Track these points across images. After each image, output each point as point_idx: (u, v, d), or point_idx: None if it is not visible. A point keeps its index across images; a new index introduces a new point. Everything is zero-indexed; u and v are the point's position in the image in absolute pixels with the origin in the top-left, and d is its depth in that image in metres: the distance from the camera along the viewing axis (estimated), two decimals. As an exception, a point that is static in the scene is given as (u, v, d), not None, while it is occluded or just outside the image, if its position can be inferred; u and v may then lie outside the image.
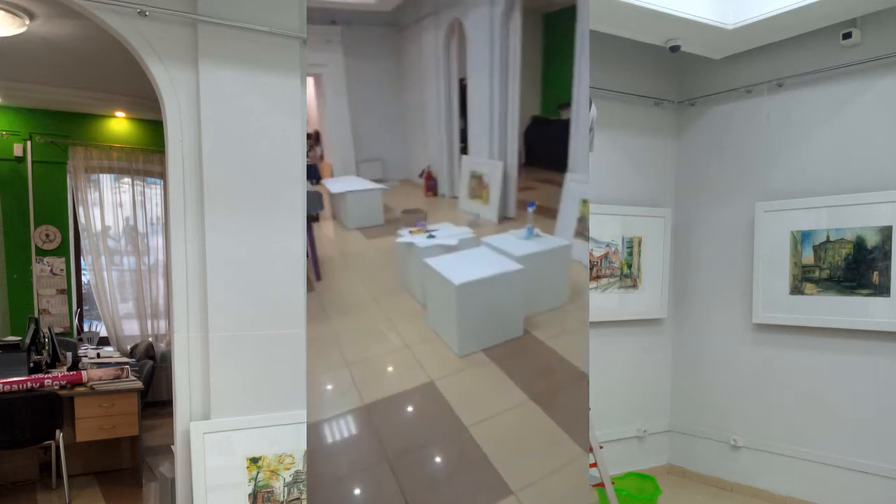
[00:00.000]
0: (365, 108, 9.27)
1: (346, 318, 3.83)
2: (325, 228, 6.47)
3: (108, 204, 6.91)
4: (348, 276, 4.62)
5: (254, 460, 3.21)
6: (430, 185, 8.12)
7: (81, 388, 4.41)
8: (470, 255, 3.59)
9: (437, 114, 7.98)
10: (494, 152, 6.30)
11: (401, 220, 5.71)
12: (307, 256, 4.95)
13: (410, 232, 4.31)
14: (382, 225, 6.41)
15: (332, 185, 6.78)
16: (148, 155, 6.97)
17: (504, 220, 6.10)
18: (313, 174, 7.45)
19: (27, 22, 4.38)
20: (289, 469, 3.28)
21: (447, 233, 4.29)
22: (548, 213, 4.76)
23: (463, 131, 7.51)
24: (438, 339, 3.41)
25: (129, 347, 6.80)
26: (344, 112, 9.11)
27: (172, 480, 3.27)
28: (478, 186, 6.49)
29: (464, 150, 7.46)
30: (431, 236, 4.15)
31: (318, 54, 8.65)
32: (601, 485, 3.60)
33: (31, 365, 4.76)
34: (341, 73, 8.98)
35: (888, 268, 3.78)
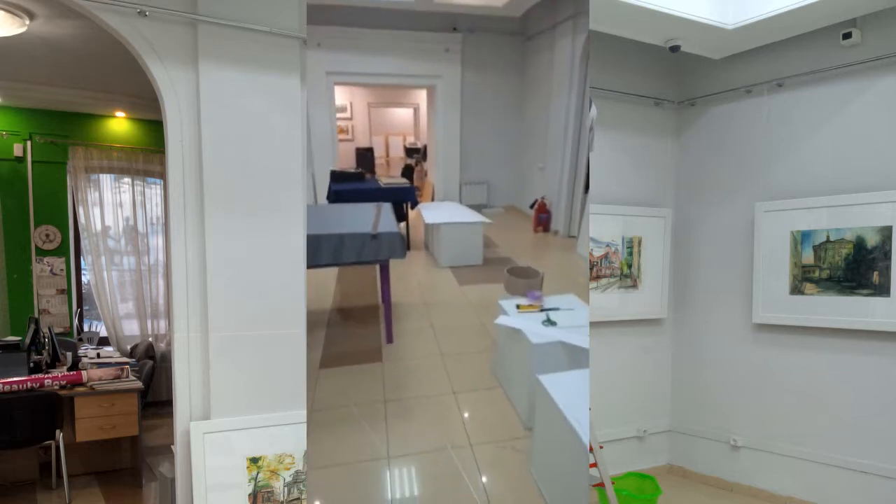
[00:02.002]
0: (478, 125, 7.53)
1: (410, 422, 2.72)
2: (415, 262, 5.28)
3: (108, 204, 6.91)
4: (426, 344, 3.56)
5: (254, 460, 3.21)
6: (543, 218, 6.60)
7: (81, 388, 4.41)
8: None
9: (563, 135, 6.53)
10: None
11: (504, 281, 4.37)
12: (381, 302, 3.95)
13: (518, 307, 3.06)
14: (480, 265, 5.22)
15: (428, 213, 5.87)
16: (148, 155, 6.97)
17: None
18: (411, 196, 6.33)
19: (27, 22, 4.38)
20: (289, 469, 3.28)
21: (575, 317, 2.89)
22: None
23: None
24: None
25: (129, 347, 6.80)
26: (455, 128, 7.55)
27: (172, 480, 3.27)
28: (606, 232, 4.96)
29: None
30: (550, 322, 2.87)
31: (434, 64, 7.18)
32: (601, 485, 3.60)
33: (31, 365, 4.76)
34: (457, 86, 7.66)
35: (888, 268, 3.78)
